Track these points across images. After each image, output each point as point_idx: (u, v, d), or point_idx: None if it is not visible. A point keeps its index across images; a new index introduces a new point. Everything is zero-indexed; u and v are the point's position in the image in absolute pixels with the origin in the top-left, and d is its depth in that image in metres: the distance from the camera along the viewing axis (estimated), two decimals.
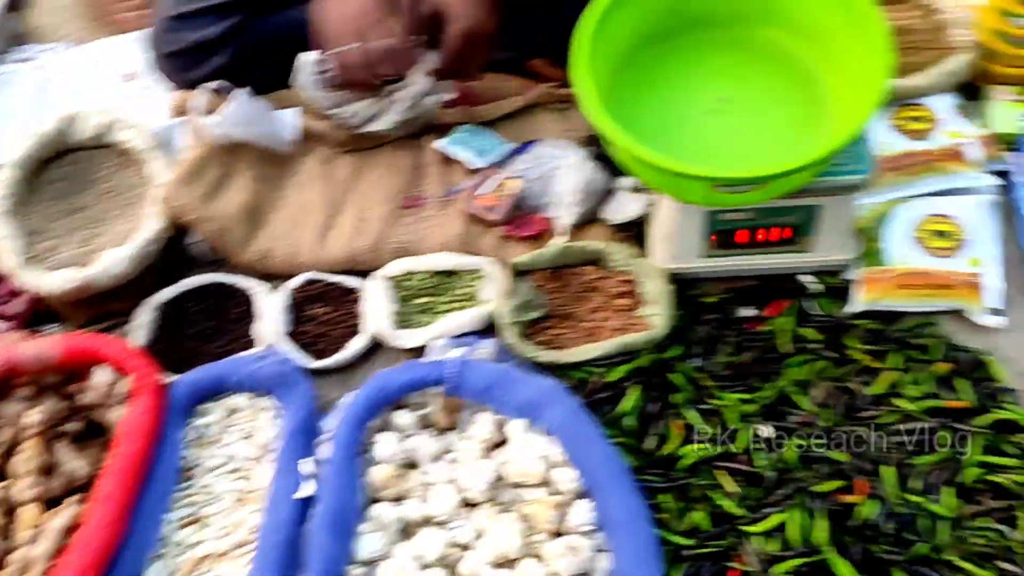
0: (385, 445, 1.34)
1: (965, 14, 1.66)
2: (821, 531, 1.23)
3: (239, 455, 1.41)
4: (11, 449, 1.36)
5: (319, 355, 1.53)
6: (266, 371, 1.43)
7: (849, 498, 1.27)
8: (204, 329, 1.58)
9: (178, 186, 1.61)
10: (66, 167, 1.72)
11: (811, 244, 1.46)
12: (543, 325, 1.53)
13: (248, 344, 1.55)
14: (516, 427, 1.34)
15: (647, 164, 1.28)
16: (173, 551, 1.30)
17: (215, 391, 1.46)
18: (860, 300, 1.46)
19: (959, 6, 1.69)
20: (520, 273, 1.56)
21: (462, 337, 1.49)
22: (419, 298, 1.58)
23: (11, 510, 1.30)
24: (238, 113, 1.67)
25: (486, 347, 1.45)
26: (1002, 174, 1.59)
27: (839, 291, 1.50)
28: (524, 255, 1.57)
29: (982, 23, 1.62)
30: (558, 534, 1.25)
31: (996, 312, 1.44)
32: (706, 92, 1.44)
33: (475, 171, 1.69)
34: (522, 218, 1.64)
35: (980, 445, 1.31)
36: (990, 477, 1.29)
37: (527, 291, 1.54)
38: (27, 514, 1.28)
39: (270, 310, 1.56)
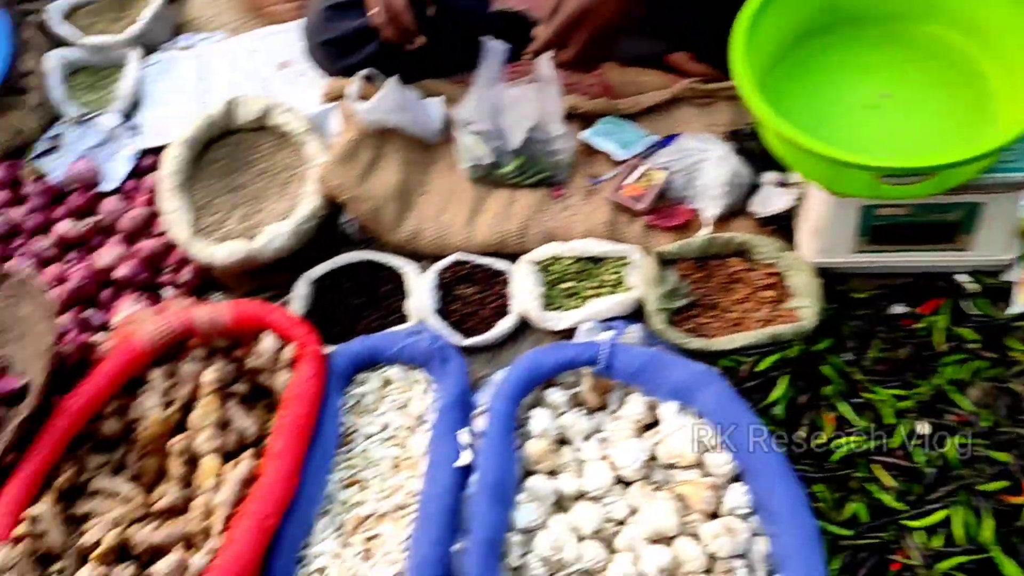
0: (539, 420, 1.37)
1: None
2: (987, 530, 1.21)
3: (394, 424, 1.46)
4: (189, 405, 1.44)
5: (467, 333, 1.58)
6: (419, 346, 1.48)
7: (1015, 499, 1.25)
8: (357, 304, 1.64)
9: (334, 167, 1.68)
10: (227, 147, 1.81)
11: (970, 243, 1.45)
12: (688, 313, 1.55)
13: (399, 320, 1.60)
14: (668, 409, 1.35)
15: (810, 154, 1.29)
16: (337, 509, 1.36)
17: (371, 362, 1.52)
18: (1022, 302, 1.43)
19: None
20: (666, 262, 1.57)
21: (609, 321, 1.52)
22: (564, 282, 1.61)
23: (192, 460, 1.38)
24: (390, 100, 1.73)
25: (633, 332, 1.47)
26: None
27: (997, 292, 1.47)
28: (670, 244, 1.58)
29: None
30: (713, 515, 1.26)
31: None
32: (864, 87, 1.44)
33: (619, 162, 1.72)
34: (667, 208, 1.66)
35: None
36: None
37: (673, 280, 1.55)
38: (208, 464, 1.35)
39: (420, 288, 1.61)
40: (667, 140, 1.74)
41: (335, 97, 1.82)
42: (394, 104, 1.74)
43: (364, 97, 1.76)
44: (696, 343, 1.48)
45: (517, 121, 1.70)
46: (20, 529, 1.32)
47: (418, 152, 1.79)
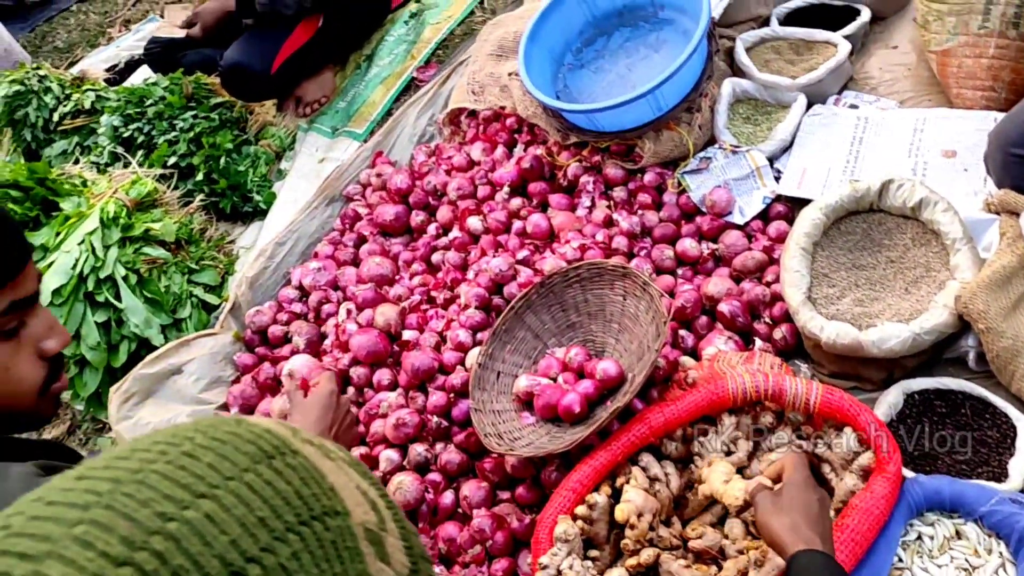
0: None
1: None
2: None
3: None
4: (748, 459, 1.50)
5: None
6: (1015, 519, 1.33)
7: None
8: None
9: (980, 290, 1.55)
10: (864, 224, 1.78)
11: None
12: None
13: (994, 475, 1.45)
14: None
15: None
16: None
17: (948, 507, 1.41)
18: None
19: None
20: None
21: None
22: None
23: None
24: None
25: None
26: None
27: None
28: None
29: None
30: None
31: None
32: None
33: None
34: None
35: None
36: None
37: None
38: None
39: None
40: None
41: (1001, 211, 1.68)
42: None
43: None
44: None
45: None
46: (580, 510, 1.49)
47: None
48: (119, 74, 3.68)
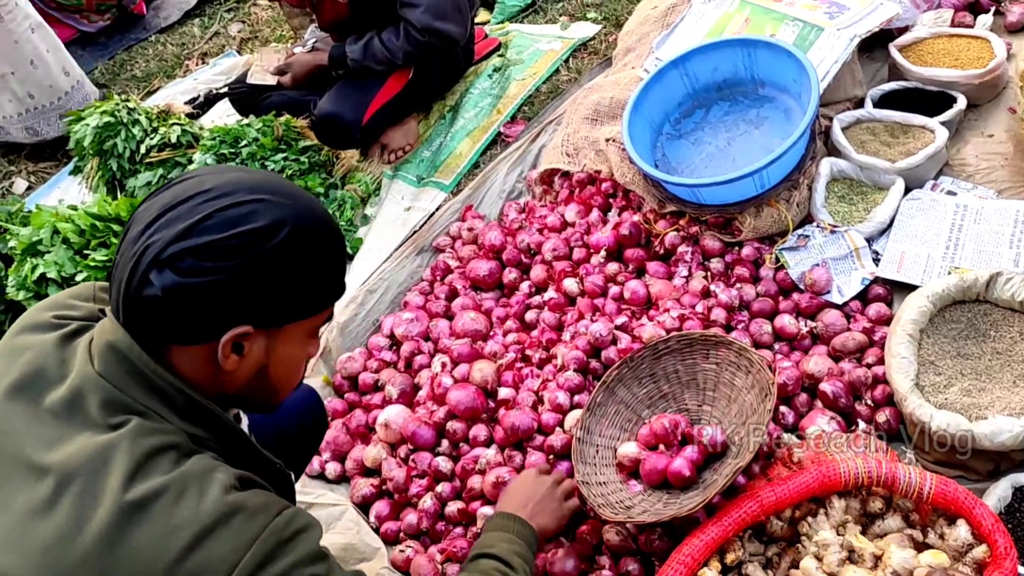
0: None
1: None
2: None
3: None
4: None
5: None
6: None
7: None
8: None
9: None
10: (969, 314, 1.81)
11: None
12: None
13: None
14: None
15: None
16: None
17: None
18: None
19: None
20: None
21: None
22: None
23: None
24: None
25: None
26: None
27: None
28: None
29: None
30: None
31: None
32: None
33: None
34: None
35: None
36: None
37: None
38: None
39: None
40: None
41: None
42: None
43: None
44: None
45: None
46: None
47: None
48: (199, 107, 3.78)
